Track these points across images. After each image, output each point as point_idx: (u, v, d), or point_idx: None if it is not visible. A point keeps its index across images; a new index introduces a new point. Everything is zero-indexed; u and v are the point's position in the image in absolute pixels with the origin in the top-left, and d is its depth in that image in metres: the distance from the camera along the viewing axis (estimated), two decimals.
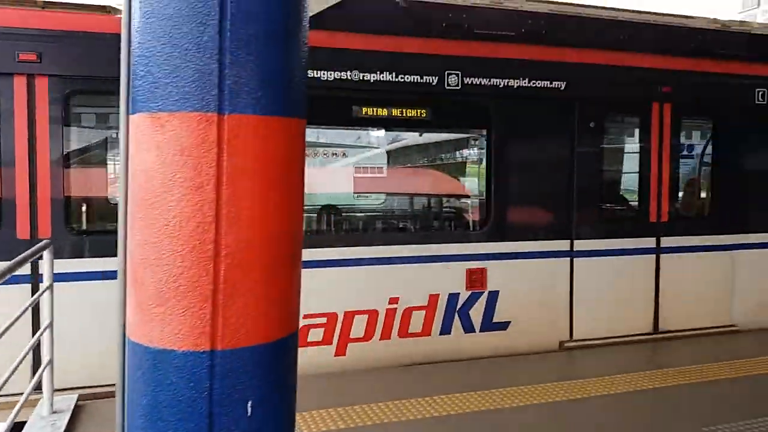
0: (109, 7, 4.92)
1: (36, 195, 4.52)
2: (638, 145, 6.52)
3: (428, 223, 6.48)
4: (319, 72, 5.13)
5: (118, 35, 1.88)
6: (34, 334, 4.21)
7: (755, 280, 6.87)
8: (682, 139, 6.81)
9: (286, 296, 1.79)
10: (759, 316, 6.79)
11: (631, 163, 6.83)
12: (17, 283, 4.30)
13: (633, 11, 6.79)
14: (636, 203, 6.58)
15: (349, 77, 5.26)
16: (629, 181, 6.81)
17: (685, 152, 6.94)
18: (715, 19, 7.12)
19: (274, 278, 1.74)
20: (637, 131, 6.59)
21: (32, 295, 4.32)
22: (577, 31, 6.04)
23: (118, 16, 4.68)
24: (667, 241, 6.43)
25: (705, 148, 7.03)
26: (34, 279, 4.50)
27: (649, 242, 6.40)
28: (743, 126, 6.78)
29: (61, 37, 4.55)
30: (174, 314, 1.64)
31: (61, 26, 4.58)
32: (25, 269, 4.18)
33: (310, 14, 1.92)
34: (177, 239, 1.62)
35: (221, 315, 1.65)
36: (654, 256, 6.41)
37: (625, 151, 7.05)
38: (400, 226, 6.26)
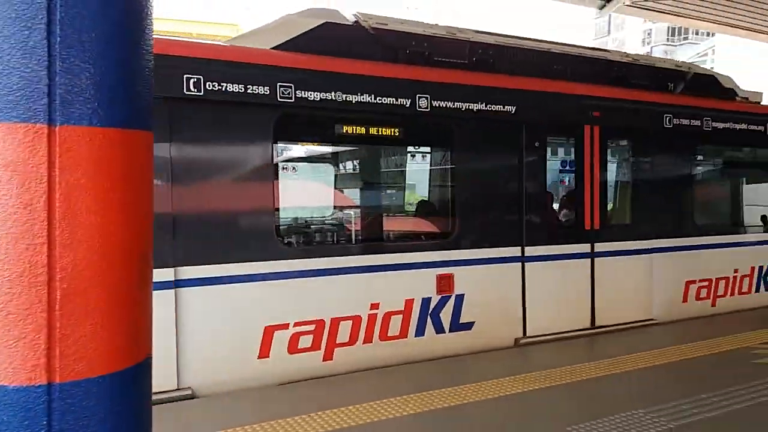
0: None
1: None
2: (575, 162, 7.23)
3: (405, 233, 6.91)
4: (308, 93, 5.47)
5: None
6: None
7: (669, 279, 7.76)
8: (608, 157, 7.52)
9: (134, 321, 1.65)
10: (672, 311, 7.74)
11: (569, 178, 7.58)
12: None
13: (568, 45, 7.70)
14: (573, 213, 7.32)
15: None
16: (568, 193, 7.65)
17: (610, 168, 7.70)
18: (626, 53, 8.35)
19: (119, 302, 1.60)
20: (572, 150, 7.26)
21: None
22: (524, 61, 6.88)
23: None
24: (599, 247, 7.19)
25: (625, 165, 7.89)
26: None
27: (585, 248, 7.12)
28: (655, 146, 7.74)
29: None
30: (3, 346, 1.49)
31: None
32: None
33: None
34: (3, 263, 1.47)
35: (58, 345, 1.50)
36: (589, 259, 7.12)
37: (564, 167, 7.72)
38: (380, 236, 6.60)
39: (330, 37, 5.76)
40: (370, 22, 6.12)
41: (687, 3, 12.01)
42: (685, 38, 78.19)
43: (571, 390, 5.11)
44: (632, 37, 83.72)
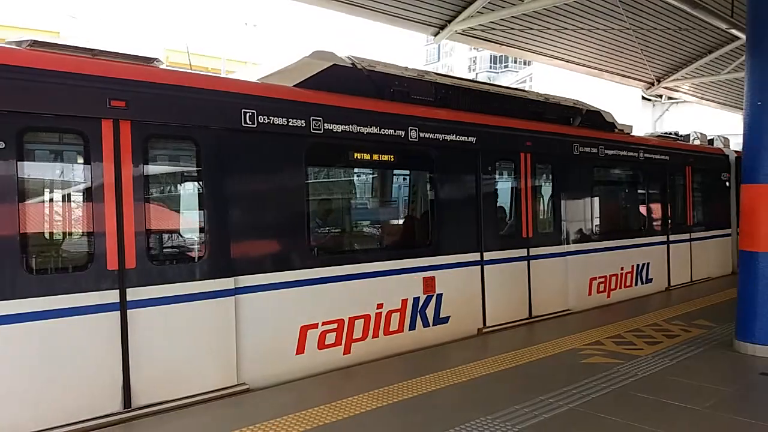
0: (154, 58, 5.55)
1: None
2: (515, 182, 8.66)
3: (400, 243, 7.98)
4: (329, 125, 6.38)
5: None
6: (126, 348, 4.89)
7: (579, 276, 9.54)
8: (537, 178, 9.02)
9: None
10: (581, 302, 9.51)
11: (511, 195, 8.79)
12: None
13: (504, 87, 9.40)
14: (515, 224, 8.66)
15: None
16: (503, 205, 8.87)
17: (538, 187, 9.18)
18: (541, 93, 9.86)
19: None
20: (513, 173, 8.67)
21: (121, 322, 4.90)
22: (479, 100, 8.32)
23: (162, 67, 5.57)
24: (533, 251, 8.68)
25: (547, 184, 9.38)
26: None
27: (524, 252, 8.58)
28: (567, 169, 9.44)
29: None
30: None
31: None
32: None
33: None
34: None
35: None
36: (526, 262, 8.59)
37: (509, 186, 8.89)
38: (384, 246, 7.88)
39: (336, 76, 6.75)
40: (363, 64, 7.18)
41: (510, 34, 13.08)
42: (506, 66, 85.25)
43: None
44: (460, 63, 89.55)
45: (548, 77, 30.92)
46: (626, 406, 5.11)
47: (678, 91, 19.22)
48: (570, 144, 9.48)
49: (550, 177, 9.29)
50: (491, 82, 10.14)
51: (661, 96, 26.30)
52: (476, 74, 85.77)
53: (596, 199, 10.20)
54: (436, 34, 12.11)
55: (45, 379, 4.55)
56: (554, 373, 6.07)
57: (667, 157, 11.87)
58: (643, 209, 11.76)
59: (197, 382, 5.33)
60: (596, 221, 10.09)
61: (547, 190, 9.33)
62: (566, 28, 13.11)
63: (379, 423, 4.76)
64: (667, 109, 27.03)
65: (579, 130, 9.84)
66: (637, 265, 10.86)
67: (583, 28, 13.24)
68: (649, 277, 11.18)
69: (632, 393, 5.45)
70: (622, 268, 10.50)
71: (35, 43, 4.89)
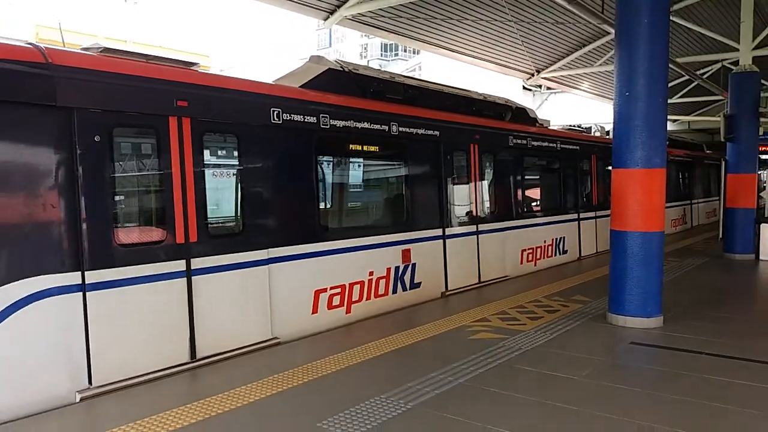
0: (195, 63, 6.47)
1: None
2: (467, 169, 9.98)
3: (385, 220, 9.15)
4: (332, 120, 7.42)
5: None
6: (190, 311, 5.78)
7: (512, 246, 11.08)
8: (483, 166, 10.43)
9: None
10: (515, 270, 11.08)
11: (464, 180, 9.98)
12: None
13: (457, 87, 10.51)
14: (468, 205, 9.98)
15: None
16: (459, 189, 10.06)
17: (486, 173, 10.61)
18: (480, 93, 11.24)
19: None
20: (466, 162, 9.96)
21: (188, 287, 5.79)
22: (439, 99, 9.65)
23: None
24: (481, 227, 10.20)
25: (491, 171, 10.71)
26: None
27: (474, 228, 10.04)
28: (506, 158, 10.98)
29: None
30: None
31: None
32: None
33: None
34: None
35: None
36: (476, 236, 10.06)
37: (463, 173, 10.06)
38: (374, 222, 9.15)
39: (330, 78, 7.85)
40: (349, 67, 8.30)
41: (399, 22, 13.24)
42: (396, 54, 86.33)
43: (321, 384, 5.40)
44: (352, 50, 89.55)
45: (437, 67, 31.64)
46: (511, 379, 5.39)
47: (555, 81, 20.34)
48: (506, 137, 10.99)
49: (492, 165, 10.68)
50: (420, 78, 10.73)
51: (540, 86, 27.74)
52: (368, 61, 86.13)
53: (525, 183, 11.81)
54: (326, 19, 12.03)
55: (137, 336, 5.41)
56: (444, 350, 6.28)
57: (577, 147, 13.50)
58: (561, 192, 13.37)
59: (243, 336, 6.31)
60: (526, 202, 11.83)
61: (489, 176, 10.68)
62: (452, 18, 13.47)
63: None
64: (546, 99, 28.50)
65: (512, 125, 11.34)
66: (557, 239, 12.67)
67: (468, 19, 13.67)
68: (565, 248, 13.05)
69: (517, 366, 5.75)
70: (545, 241, 12.23)
71: (106, 50, 5.68)
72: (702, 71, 20.63)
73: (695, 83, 20.35)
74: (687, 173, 21.48)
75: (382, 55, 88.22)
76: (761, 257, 13.01)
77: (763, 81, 16.34)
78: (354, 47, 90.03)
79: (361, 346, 6.37)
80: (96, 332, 5.09)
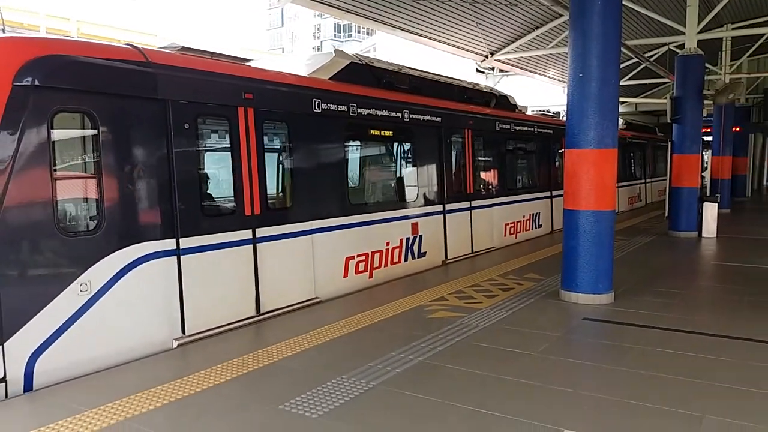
0: (249, 59, 7.78)
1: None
2: (462, 152, 11.12)
3: (399, 197, 9.99)
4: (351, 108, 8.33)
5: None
6: (256, 273, 6.78)
7: (498, 223, 12.32)
8: (475, 148, 11.54)
9: None
10: (500, 242, 12.33)
11: (459, 161, 11.12)
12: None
13: (453, 78, 11.71)
14: (462, 183, 11.10)
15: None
16: (457, 169, 11.12)
17: (476, 156, 11.70)
18: (471, 82, 12.70)
19: None
20: (461, 145, 11.09)
21: (254, 252, 6.75)
22: (440, 89, 10.75)
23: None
24: (474, 203, 11.39)
25: (479, 153, 11.88)
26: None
27: (467, 204, 11.13)
28: (493, 141, 12.35)
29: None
30: None
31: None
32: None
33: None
34: None
35: None
36: (469, 211, 11.19)
37: (460, 155, 11.19)
38: (390, 200, 10.03)
39: (352, 71, 8.79)
40: (366, 60, 9.31)
41: (355, 0, 13.09)
42: (350, 35, 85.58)
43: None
44: (304, 30, 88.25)
45: (391, 48, 31.49)
46: (469, 356, 5.49)
47: (508, 63, 20.54)
48: (494, 122, 12.18)
49: (482, 147, 11.85)
50: (426, 69, 11.05)
51: (493, 68, 27.97)
52: (321, 42, 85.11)
53: (508, 164, 13.14)
54: None
55: (217, 293, 6.35)
56: (404, 329, 6.34)
57: (551, 131, 14.57)
58: (537, 172, 14.59)
59: (294, 295, 7.34)
60: (509, 181, 13.10)
61: (480, 157, 11.87)
62: None
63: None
64: (498, 81, 28.75)
65: (498, 111, 12.49)
66: (533, 214, 13.93)
67: None
68: (540, 223, 14.29)
69: (474, 343, 5.86)
70: (524, 216, 13.50)
71: (183, 49, 6.66)
72: (649, 54, 21.16)
73: (643, 66, 20.86)
74: (641, 154, 22.76)
75: (335, 36, 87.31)
76: (704, 234, 13.54)
77: (707, 64, 16.88)
78: (307, 27, 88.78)
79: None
80: (188, 290, 6.03)
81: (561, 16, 15.51)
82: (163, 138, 5.87)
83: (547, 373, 5.08)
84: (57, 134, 5.21)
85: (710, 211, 13.56)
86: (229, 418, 4.24)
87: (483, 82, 27.31)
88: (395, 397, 4.56)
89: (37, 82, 5.03)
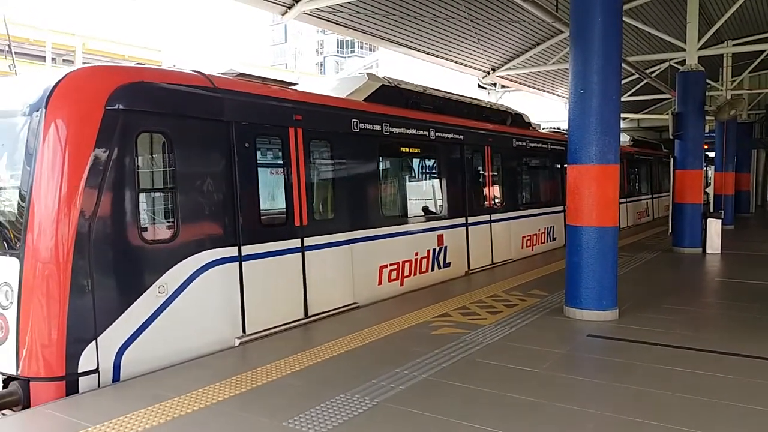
0: (294, 83, 8.72)
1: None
2: (482, 167, 11.73)
3: (426, 210, 10.53)
4: (383, 126, 8.92)
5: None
6: (304, 279, 7.36)
7: (516, 236, 12.90)
8: (496, 164, 12.21)
9: None
10: (517, 254, 12.80)
11: (480, 177, 11.75)
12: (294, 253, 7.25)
13: (474, 98, 12.64)
14: (483, 197, 11.72)
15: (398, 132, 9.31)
16: (478, 184, 11.78)
17: (494, 171, 12.26)
18: (488, 102, 13.77)
19: None
20: (482, 161, 11.71)
21: (302, 259, 7.36)
22: (460, 108, 11.40)
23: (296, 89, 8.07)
24: (494, 216, 11.91)
25: (501, 168, 12.44)
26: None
27: (486, 218, 11.64)
28: (511, 158, 12.79)
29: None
30: None
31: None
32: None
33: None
34: None
35: None
36: (489, 224, 11.70)
37: (480, 170, 11.82)
38: (419, 212, 10.46)
39: (383, 93, 9.36)
40: (395, 82, 9.84)
41: (357, 18, 13.20)
42: (353, 51, 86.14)
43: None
44: (307, 46, 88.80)
45: (394, 64, 31.67)
46: (474, 373, 5.46)
47: (509, 79, 20.65)
48: (510, 139, 12.79)
49: (500, 163, 12.36)
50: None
51: (495, 84, 28.10)
52: (324, 57, 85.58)
53: (524, 179, 13.78)
54: (284, 14, 11.91)
55: (272, 297, 6.92)
56: (407, 345, 6.31)
57: (563, 147, 14.63)
58: (550, 187, 15.01)
59: (335, 300, 7.88)
60: (525, 195, 13.69)
61: (498, 173, 12.35)
62: (410, 15, 13.52)
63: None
64: (500, 97, 28.89)
65: (513, 129, 13.15)
66: (548, 228, 14.33)
67: (425, 16, 13.74)
68: (554, 236, 14.61)
69: (479, 360, 5.82)
70: (539, 230, 13.92)
71: (240, 75, 7.31)
72: (651, 70, 21.26)
73: (644, 82, 20.96)
74: (648, 170, 23.00)
75: (338, 52, 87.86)
76: (708, 251, 13.51)
77: (708, 80, 16.95)
78: (310, 43, 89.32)
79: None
80: (248, 293, 6.57)
81: (562, 32, 15.61)
82: (227, 156, 6.48)
83: (552, 390, 5.04)
84: (140, 153, 5.80)
85: (714, 227, 13.53)
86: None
87: (485, 97, 27.46)
88: (399, 415, 4.53)
89: (125, 107, 5.60)
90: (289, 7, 11.78)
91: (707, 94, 16.01)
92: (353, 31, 14.00)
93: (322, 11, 12.38)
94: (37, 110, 5.35)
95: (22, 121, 5.48)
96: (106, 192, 5.40)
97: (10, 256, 5.28)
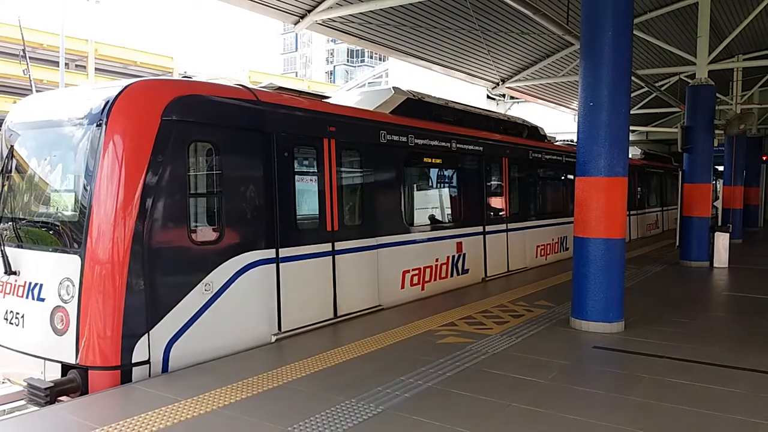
0: (329, 96, 8.99)
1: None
2: (500, 178, 12.09)
3: (446, 218, 10.93)
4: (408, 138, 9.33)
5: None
6: (334, 281, 7.76)
7: (530, 245, 13.26)
8: (511, 174, 12.50)
9: None
10: (532, 262, 13.18)
11: (498, 186, 12.11)
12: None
13: (492, 111, 13.42)
14: (500, 207, 12.14)
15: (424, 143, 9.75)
16: (495, 194, 12.20)
17: (511, 180, 12.58)
18: (506, 115, 14.25)
19: None
20: (499, 172, 12.08)
21: (333, 262, 7.77)
22: (479, 121, 11.75)
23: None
24: (510, 225, 12.34)
25: (516, 178, 12.82)
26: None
27: (503, 227, 12.09)
28: (528, 168, 13.30)
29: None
30: None
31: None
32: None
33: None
34: None
35: None
36: (505, 233, 12.11)
37: (498, 180, 12.18)
38: (440, 220, 10.80)
39: (408, 105, 9.74)
40: (418, 96, 10.10)
41: (369, 28, 13.30)
42: (362, 60, 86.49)
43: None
44: (318, 54, 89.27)
45: (403, 74, 31.81)
46: (478, 382, 5.48)
47: (519, 91, 20.69)
48: (527, 151, 13.21)
49: (517, 174, 12.75)
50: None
51: (504, 95, 28.17)
52: (334, 66, 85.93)
53: (539, 190, 14.12)
54: (296, 23, 12.03)
55: (305, 297, 7.32)
56: (412, 354, 6.34)
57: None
58: (563, 198, 15.26)
59: (362, 301, 8.26)
60: (540, 205, 14.07)
61: (515, 184, 12.74)
62: (421, 26, 13.61)
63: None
64: (509, 108, 28.97)
65: (529, 141, 13.55)
66: (561, 238, 14.69)
67: (436, 28, 13.83)
68: (567, 246, 14.84)
69: (484, 369, 5.85)
70: (552, 239, 14.31)
71: (280, 89, 7.76)
72: (660, 83, 21.27)
73: (654, 95, 20.95)
74: (659, 183, 23.28)
75: (348, 61, 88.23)
76: (715, 264, 13.47)
77: (718, 94, 16.95)
78: (320, 52, 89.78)
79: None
80: (284, 292, 6.96)
81: (572, 45, 15.67)
82: (269, 164, 6.90)
83: (557, 401, 5.06)
84: (191, 161, 6.22)
85: (722, 241, 13.49)
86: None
87: (494, 108, 27.54)
88: (404, 422, 4.56)
89: (178, 118, 6.03)
90: (302, 17, 11.90)
91: (717, 108, 15.99)
92: (364, 41, 14.11)
93: (334, 21, 12.49)
94: (99, 121, 5.78)
95: (84, 131, 5.91)
96: (160, 198, 5.82)
97: (72, 253, 5.70)
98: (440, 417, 4.63)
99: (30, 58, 8.38)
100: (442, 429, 4.43)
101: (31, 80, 8.00)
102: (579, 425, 4.55)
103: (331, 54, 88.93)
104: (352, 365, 6.00)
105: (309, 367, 5.89)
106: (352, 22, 12.74)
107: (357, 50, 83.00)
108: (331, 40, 79.76)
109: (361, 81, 47.52)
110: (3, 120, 7.02)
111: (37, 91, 7.27)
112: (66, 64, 32.46)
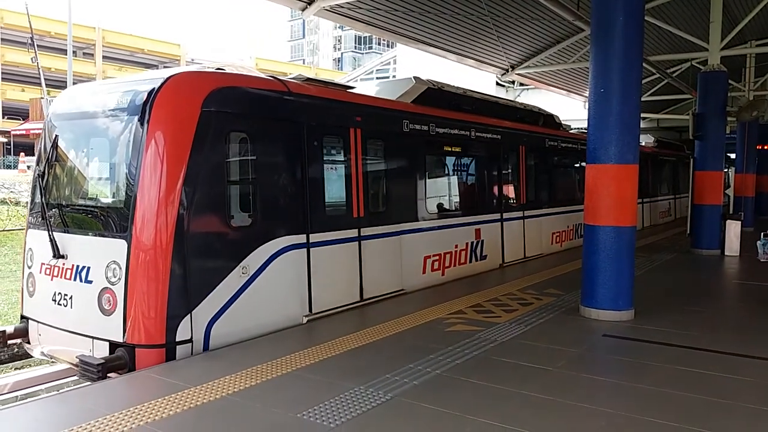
0: (352, 86, 9.16)
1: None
2: (517, 165, 12.33)
3: (466, 206, 11.07)
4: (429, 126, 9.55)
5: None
6: (360, 265, 8.09)
7: (546, 232, 13.50)
8: (527, 161, 12.62)
9: None
10: (547, 249, 13.41)
11: (515, 174, 12.36)
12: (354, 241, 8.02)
13: (510, 100, 13.64)
14: (516, 194, 12.40)
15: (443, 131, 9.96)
16: (513, 182, 12.43)
17: (528, 168, 12.80)
18: (522, 103, 14.18)
19: None
20: (516, 160, 12.30)
21: (359, 248, 8.09)
22: (496, 109, 11.93)
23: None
24: (527, 213, 12.55)
25: (532, 165, 12.93)
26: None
27: (520, 214, 12.32)
28: (544, 156, 13.49)
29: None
30: None
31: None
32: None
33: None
34: None
35: None
36: (522, 220, 12.36)
37: (516, 168, 12.43)
38: (459, 207, 10.98)
39: (429, 95, 9.90)
40: (438, 85, 10.30)
41: (377, 14, 13.21)
42: (370, 47, 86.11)
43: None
44: (325, 41, 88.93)
45: (411, 61, 31.65)
46: (487, 370, 5.47)
47: (529, 78, 20.53)
48: (543, 139, 13.41)
49: (534, 162, 12.94)
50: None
51: (513, 82, 27.97)
52: (341, 53, 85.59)
53: (555, 177, 14.29)
54: (304, 9, 11.95)
55: (333, 280, 7.62)
56: (422, 341, 6.34)
57: None
58: (578, 185, 14.78)
59: (386, 286, 8.56)
60: (555, 193, 14.11)
61: (531, 171, 12.90)
62: (429, 12, 13.49)
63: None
64: (518, 95, 28.77)
65: (545, 129, 13.75)
66: (576, 225, 14.70)
67: (445, 13, 13.70)
68: (581, 234, 14.19)
69: (493, 357, 5.84)
70: (568, 227, 14.51)
71: (308, 80, 8.03)
72: (672, 70, 21.04)
73: (665, 81, 20.75)
74: (672, 171, 23.33)
75: (356, 48, 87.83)
76: (726, 253, 13.37)
77: (730, 81, 16.74)
78: (328, 39, 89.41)
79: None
80: (314, 276, 7.27)
81: (582, 30, 15.50)
82: (299, 153, 7.17)
83: (566, 388, 5.05)
84: (229, 150, 6.48)
85: (733, 229, 13.38)
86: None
87: (503, 95, 27.37)
88: (413, 409, 4.56)
89: (217, 109, 6.29)
90: (310, 3, 11.81)
91: (729, 94, 15.82)
92: (372, 27, 14.01)
93: (342, 7, 12.41)
94: (143, 112, 6.04)
95: (128, 122, 6.19)
96: (200, 185, 6.11)
97: (119, 238, 5.98)
98: (449, 404, 4.63)
99: (38, 46, 8.39)
100: (450, 416, 4.43)
101: (39, 68, 8.06)
102: (588, 413, 4.53)
103: (339, 41, 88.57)
104: (362, 352, 6.01)
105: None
106: (360, 7, 12.65)
107: (365, 37, 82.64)
108: (339, 27, 79.43)
109: (369, 68, 47.26)
110: (19, 110, 7.21)
111: (45, 79, 7.37)
112: (74, 52, 32.50)
